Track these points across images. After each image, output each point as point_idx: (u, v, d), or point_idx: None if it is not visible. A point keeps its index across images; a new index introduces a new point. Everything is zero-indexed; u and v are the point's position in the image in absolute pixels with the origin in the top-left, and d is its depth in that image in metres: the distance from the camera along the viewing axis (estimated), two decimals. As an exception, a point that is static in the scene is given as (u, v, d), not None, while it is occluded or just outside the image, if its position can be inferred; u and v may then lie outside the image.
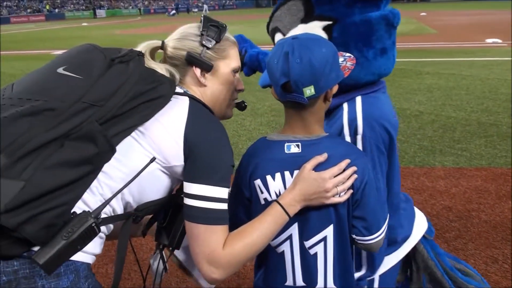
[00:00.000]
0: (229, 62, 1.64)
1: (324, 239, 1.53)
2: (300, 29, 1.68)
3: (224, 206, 1.45)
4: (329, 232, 1.53)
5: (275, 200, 1.50)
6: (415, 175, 4.99)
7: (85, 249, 1.34)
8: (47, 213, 1.26)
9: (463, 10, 43.13)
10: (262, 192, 1.55)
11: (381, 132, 1.62)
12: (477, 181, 4.82)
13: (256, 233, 1.46)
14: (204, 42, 1.57)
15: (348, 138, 1.63)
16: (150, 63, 1.54)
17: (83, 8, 65.74)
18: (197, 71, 1.59)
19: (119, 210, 1.46)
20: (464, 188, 4.67)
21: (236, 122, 7.34)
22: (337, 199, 1.49)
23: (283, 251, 1.58)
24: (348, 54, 1.61)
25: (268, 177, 1.54)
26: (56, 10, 61.74)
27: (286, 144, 1.53)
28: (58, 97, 1.34)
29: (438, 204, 4.32)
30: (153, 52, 1.62)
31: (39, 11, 59.10)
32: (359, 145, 1.61)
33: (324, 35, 1.64)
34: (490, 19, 29.81)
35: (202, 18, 1.62)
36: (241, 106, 1.80)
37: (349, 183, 1.48)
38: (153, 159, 1.42)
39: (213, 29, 1.60)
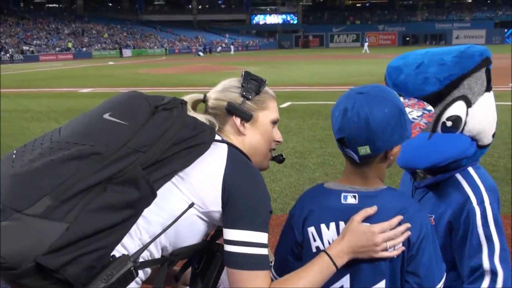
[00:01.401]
0: (268, 113, 1.68)
1: None
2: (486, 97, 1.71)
3: (265, 251, 1.46)
4: (381, 286, 1.49)
5: (323, 250, 1.48)
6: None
7: None
8: (89, 255, 1.28)
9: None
10: (315, 240, 1.54)
11: (498, 203, 1.62)
12: (507, 230, 4.68)
13: (301, 282, 1.45)
14: (244, 93, 1.63)
15: (477, 208, 1.61)
16: (191, 113, 1.59)
17: (110, 48, 67.50)
18: (237, 120, 1.63)
19: (157, 255, 1.48)
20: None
21: (259, 163, 7.31)
22: (386, 254, 1.45)
23: None
24: (429, 108, 1.59)
25: (323, 226, 1.53)
26: (84, 49, 63.48)
27: (343, 194, 1.51)
28: (104, 142, 1.38)
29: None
30: (195, 104, 1.68)
31: (67, 49, 60.81)
32: (489, 215, 1.60)
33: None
34: (514, 63, 29.69)
35: (243, 72, 1.68)
36: (279, 159, 1.82)
37: (401, 239, 1.45)
38: (191, 205, 1.45)
39: (253, 82, 1.66)
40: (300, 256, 1.59)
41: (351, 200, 1.50)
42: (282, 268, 1.62)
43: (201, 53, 62.17)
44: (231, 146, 1.56)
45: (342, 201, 1.51)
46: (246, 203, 1.46)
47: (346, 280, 1.51)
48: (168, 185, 1.45)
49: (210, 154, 1.51)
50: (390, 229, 1.46)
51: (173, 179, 1.46)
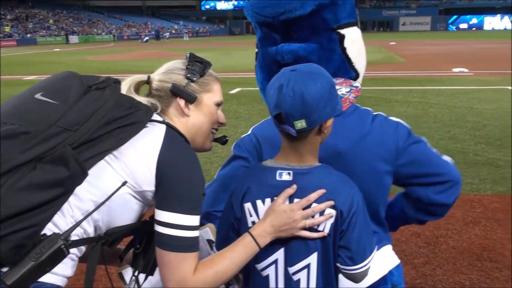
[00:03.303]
0: (212, 95, 1.70)
1: (308, 266, 1.55)
2: None
3: (195, 234, 1.48)
4: (313, 259, 1.55)
5: (247, 231, 1.53)
6: (384, 201, 5.05)
7: (55, 270, 1.38)
8: (17, 234, 1.29)
9: (431, 40, 44.34)
10: (251, 215, 1.59)
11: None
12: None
13: (226, 262, 1.49)
14: (189, 75, 1.64)
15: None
16: (132, 94, 1.60)
17: (56, 34, 65.34)
18: (181, 102, 1.64)
19: (91, 233, 1.49)
20: (432, 214, 4.73)
21: (208, 149, 7.33)
22: (306, 233, 1.51)
23: (268, 275, 1.59)
24: (356, 84, 1.64)
25: (258, 202, 1.57)
26: (28, 35, 61.23)
27: (278, 171, 1.56)
28: (33, 121, 1.38)
29: (407, 230, 4.37)
30: (138, 85, 1.68)
31: (10, 36, 58.52)
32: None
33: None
34: (457, 49, 30.72)
35: (187, 54, 1.69)
36: (222, 140, 1.85)
37: (321, 219, 1.51)
38: (124, 183, 1.46)
39: (197, 64, 1.67)
40: (240, 232, 1.64)
41: (285, 177, 1.55)
42: (224, 244, 1.67)
43: (146, 38, 61.02)
44: (169, 128, 1.57)
45: (277, 178, 1.56)
46: (179, 186, 1.47)
47: (280, 254, 1.57)
48: (102, 164, 1.45)
49: (146, 134, 1.51)
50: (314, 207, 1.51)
51: (107, 158, 1.46)
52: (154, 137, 1.51)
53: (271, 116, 1.52)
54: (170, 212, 1.45)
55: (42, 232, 1.35)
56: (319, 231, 1.52)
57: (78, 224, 1.41)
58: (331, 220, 1.52)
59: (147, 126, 1.52)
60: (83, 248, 1.50)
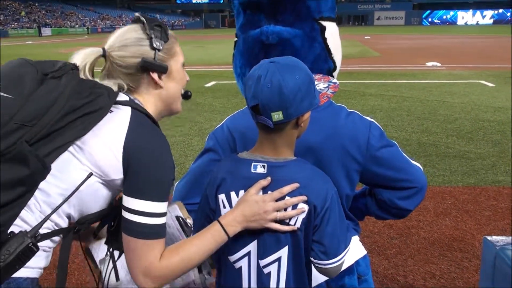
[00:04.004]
0: (177, 58, 1.64)
1: (279, 259, 1.55)
2: None
3: (163, 220, 1.45)
4: (283, 253, 1.55)
5: (217, 219, 1.52)
6: (358, 194, 5.10)
7: (28, 264, 1.35)
8: None
9: (405, 34, 44.79)
10: (224, 207, 1.58)
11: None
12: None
13: (193, 249, 1.47)
14: (155, 45, 1.55)
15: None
16: (92, 77, 1.53)
17: (28, 26, 64.18)
18: (155, 75, 1.57)
19: (63, 224, 1.46)
20: (405, 206, 4.80)
21: (184, 142, 7.32)
22: (277, 226, 1.51)
23: (240, 267, 1.59)
24: (334, 80, 1.64)
25: (232, 193, 1.57)
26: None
27: (253, 164, 1.55)
28: None
29: (379, 222, 4.42)
30: (95, 63, 1.58)
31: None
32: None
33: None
34: (431, 43, 31.11)
35: (143, 19, 1.58)
36: (187, 95, 1.78)
37: (292, 213, 1.50)
38: (90, 175, 1.42)
39: (158, 29, 1.57)
40: None
41: (260, 169, 1.55)
42: (197, 225, 1.68)
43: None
44: (135, 110, 1.50)
45: (252, 170, 1.55)
46: (147, 172, 1.43)
47: (253, 246, 1.57)
48: (66, 156, 1.41)
49: (110, 120, 1.44)
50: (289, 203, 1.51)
51: (71, 150, 1.41)
52: (118, 123, 1.45)
53: (248, 107, 1.51)
54: (137, 199, 1.42)
55: (10, 230, 1.32)
56: (290, 225, 1.52)
57: (46, 218, 1.38)
58: (303, 215, 1.52)
59: (111, 111, 1.46)
60: (56, 238, 1.47)
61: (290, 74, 1.44)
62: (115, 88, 1.51)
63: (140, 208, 1.42)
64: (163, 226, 1.46)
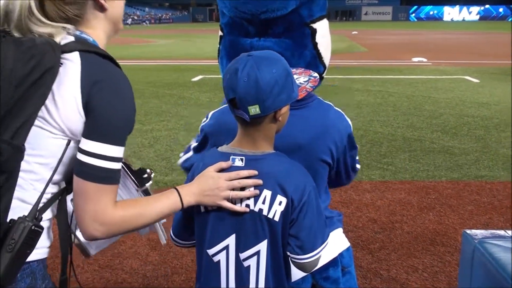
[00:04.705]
0: None
1: (258, 253, 1.57)
2: None
3: (118, 166, 1.42)
4: (262, 247, 1.56)
5: (174, 187, 1.54)
6: (343, 188, 5.14)
7: (37, 245, 1.34)
8: None
9: (392, 30, 44.96)
10: None
11: None
12: (400, 194, 5.04)
13: (149, 208, 1.48)
14: None
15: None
16: (32, 23, 1.41)
17: None
18: None
19: (55, 192, 1.45)
20: (389, 200, 4.87)
21: (169, 136, 7.30)
22: (229, 205, 1.53)
23: (219, 261, 1.60)
24: (315, 75, 1.66)
25: None
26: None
27: (231, 157, 1.56)
28: None
29: (364, 216, 4.48)
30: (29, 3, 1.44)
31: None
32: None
33: None
34: (417, 39, 31.28)
35: None
36: None
37: (246, 193, 1.53)
38: (68, 142, 1.40)
39: None
40: (193, 216, 1.66)
41: (238, 163, 1.56)
42: (182, 229, 1.72)
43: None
44: (84, 53, 1.40)
45: (231, 164, 1.57)
46: (106, 115, 1.37)
47: (231, 240, 1.59)
48: (36, 131, 1.35)
49: (63, 76, 1.36)
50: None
51: (37, 122, 1.35)
52: (70, 75, 1.37)
53: (226, 100, 1.52)
54: (95, 141, 1.37)
55: (9, 218, 1.30)
56: (243, 207, 1.54)
57: (42, 195, 1.37)
58: (281, 208, 1.53)
59: (61, 64, 1.36)
60: (54, 208, 1.47)
61: (267, 67, 1.45)
62: (57, 36, 1.41)
63: (97, 151, 1.37)
64: (118, 172, 1.42)
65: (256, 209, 1.54)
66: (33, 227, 1.29)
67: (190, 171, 1.69)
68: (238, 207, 1.54)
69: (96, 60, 1.41)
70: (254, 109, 1.45)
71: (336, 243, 1.90)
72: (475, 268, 1.77)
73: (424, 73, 14.25)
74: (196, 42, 29.63)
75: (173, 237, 1.76)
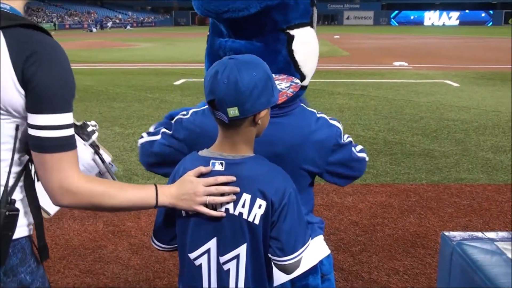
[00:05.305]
0: None
1: (237, 257, 1.57)
2: None
3: (71, 131, 1.43)
4: (242, 250, 1.57)
5: (154, 184, 1.55)
6: (325, 191, 5.18)
7: (19, 224, 1.41)
8: None
9: (374, 34, 45.35)
10: None
11: None
12: (382, 197, 5.08)
13: (121, 192, 1.49)
14: None
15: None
16: None
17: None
18: None
19: (20, 166, 1.48)
20: (370, 203, 4.90)
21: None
22: (205, 210, 1.54)
23: (200, 264, 1.60)
24: (296, 81, 1.67)
25: None
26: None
27: (211, 161, 1.56)
28: None
29: (346, 219, 4.50)
30: None
31: None
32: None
33: None
34: (398, 43, 31.59)
35: None
36: None
37: (222, 199, 1.53)
38: (17, 127, 1.41)
39: None
40: (175, 219, 1.66)
41: (218, 167, 1.56)
42: (164, 231, 1.71)
43: (94, 29, 59.62)
44: (6, 29, 1.36)
45: (211, 168, 1.57)
46: (46, 86, 1.36)
47: (212, 243, 1.59)
48: None
49: None
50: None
51: None
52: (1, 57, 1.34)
53: (206, 102, 1.52)
54: (42, 114, 1.37)
55: None
56: (219, 211, 1.54)
57: (8, 175, 1.40)
58: (261, 211, 1.54)
59: None
60: (23, 185, 1.49)
61: (247, 70, 1.46)
62: None
63: (48, 123, 1.37)
64: (72, 137, 1.43)
65: (236, 213, 1.54)
66: (7, 213, 1.34)
67: (171, 174, 1.68)
68: (214, 212, 1.54)
69: (21, 33, 1.37)
70: (233, 111, 1.46)
71: (316, 251, 1.90)
72: (453, 269, 1.80)
73: (405, 77, 14.39)
74: (178, 45, 29.54)
75: (154, 241, 1.75)
